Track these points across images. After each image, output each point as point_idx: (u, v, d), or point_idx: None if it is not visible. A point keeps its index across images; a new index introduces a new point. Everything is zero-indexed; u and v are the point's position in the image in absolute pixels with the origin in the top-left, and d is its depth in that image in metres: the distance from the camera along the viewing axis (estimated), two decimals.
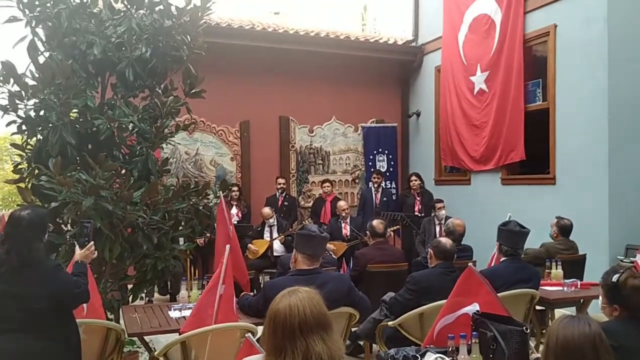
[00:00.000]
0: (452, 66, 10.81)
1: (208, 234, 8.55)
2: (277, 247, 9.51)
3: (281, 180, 10.66)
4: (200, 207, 5.79)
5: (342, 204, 9.84)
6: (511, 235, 5.22)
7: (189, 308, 4.91)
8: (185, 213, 5.71)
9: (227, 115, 11.00)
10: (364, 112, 12.12)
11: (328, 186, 10.65)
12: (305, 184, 11.63)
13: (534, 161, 9.41)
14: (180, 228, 5.77)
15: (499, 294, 4.12)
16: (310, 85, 11.70)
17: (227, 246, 4.33)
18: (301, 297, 2.27)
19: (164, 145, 6.11)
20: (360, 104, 12.08)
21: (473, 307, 3.83)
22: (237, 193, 10.05)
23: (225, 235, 5.56)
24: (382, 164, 11.91)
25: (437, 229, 9.04)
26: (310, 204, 11.35)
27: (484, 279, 4.03)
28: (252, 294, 5.12)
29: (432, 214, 9.29)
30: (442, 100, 11.18)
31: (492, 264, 5.72)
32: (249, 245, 9.38)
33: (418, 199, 10.27)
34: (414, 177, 10.46)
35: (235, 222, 9.10)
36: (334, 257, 8.65)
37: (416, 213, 10.04)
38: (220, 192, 5.81)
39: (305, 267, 4.42)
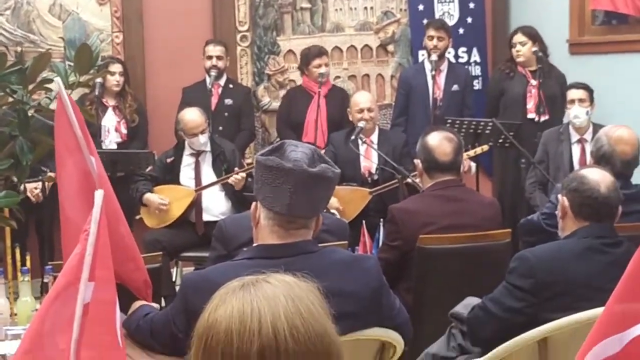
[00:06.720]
0: None
1: (51, 173, 4.43)
2: (214, 202, 5.05)
3: (215, 49, 5.53)
4: (32, 110, 3.03)
5: (359, 98, 5.16)
6: None
7: (15, 336, 2.94)
8: None
9: None
10: None
11: (321, 64, 5.42)
12: (271, 57, 6.07)
13: None
14: None
15: None
16: None
17: (98, 192, 2.18)
18: (271, 296, 1.15)
19: None
20: None
21: None
22: (120, 80, 5.35)
23: (80, 175, 2.59)
24: (448, 7, 6.27)
25: (577, 150, 5.06)
26: (279, 103, 5.95)
27: None
28: (156, 305, 2.90)
29: (564, 118, 5.24)
30: None
31: None
32: (148, 196, 4.98)
33: (533, 83, 5.36)
34: (520, 37, 5.42)
35: (114, 147, 5.30)
36: (343, 219, 4.31)
37: (529, 115, 5.39)
38: (77, 74, 2.99)
39: (277, 242, 2.35)
